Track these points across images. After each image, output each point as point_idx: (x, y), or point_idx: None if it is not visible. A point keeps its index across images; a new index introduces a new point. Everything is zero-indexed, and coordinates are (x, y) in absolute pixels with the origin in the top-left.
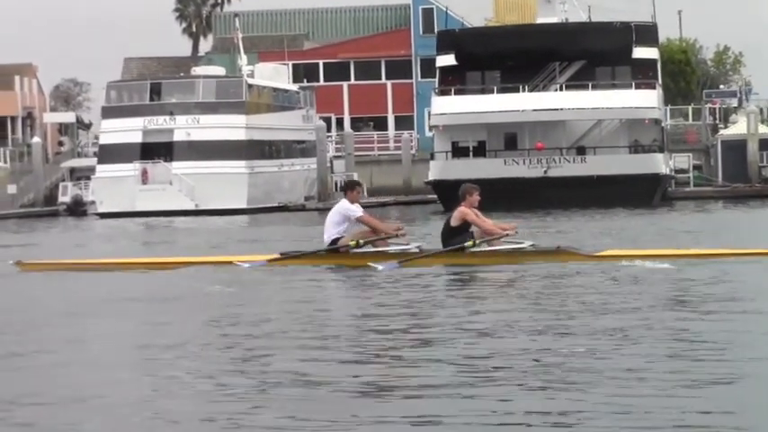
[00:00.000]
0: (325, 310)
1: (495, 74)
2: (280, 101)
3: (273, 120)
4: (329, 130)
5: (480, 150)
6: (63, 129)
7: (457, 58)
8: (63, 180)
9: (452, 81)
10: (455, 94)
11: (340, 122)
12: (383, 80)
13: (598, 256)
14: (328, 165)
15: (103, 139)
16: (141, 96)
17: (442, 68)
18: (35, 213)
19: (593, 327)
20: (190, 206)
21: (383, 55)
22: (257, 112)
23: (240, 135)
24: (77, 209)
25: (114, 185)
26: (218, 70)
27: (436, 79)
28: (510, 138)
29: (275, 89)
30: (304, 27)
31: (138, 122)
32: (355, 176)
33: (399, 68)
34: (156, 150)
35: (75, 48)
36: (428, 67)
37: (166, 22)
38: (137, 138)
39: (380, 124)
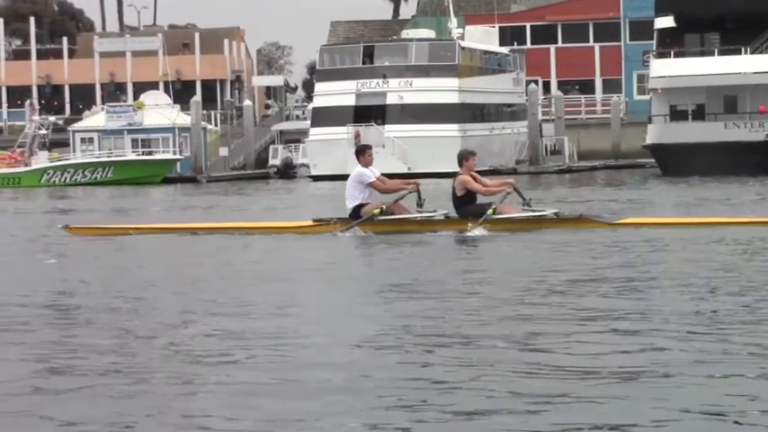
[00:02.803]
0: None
1: (715, 36)
2: (490, 64)
3: (484, 83)
4: None
5: (699, 114)
6: (270, 92)
7: (676, 21)
8: (272, 143)
9: (671, 44)
10: (674, 56)
11: (546, 86)
12: (591, 43)
13: (618, 223)
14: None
15: (317, 102)
16: (354, 59)
17: (661, 30)
18: (246, 176)
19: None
20: (402, 169)
21: (591, 17)
22: (469, 75)
23: (453, 98)
24: (287, 171)
25: (327, 148)
26: (429, 33)
27: (654, 42)
28: (730, 101)
29: (486, 52)
30: None
31: (351, 86)
32: (564, 141)
33: (607, 31)
34: (368, 113)
35: (277, 12)
36: (637, 29)
37: None
38: (350, 101)
39: (587, 87)
